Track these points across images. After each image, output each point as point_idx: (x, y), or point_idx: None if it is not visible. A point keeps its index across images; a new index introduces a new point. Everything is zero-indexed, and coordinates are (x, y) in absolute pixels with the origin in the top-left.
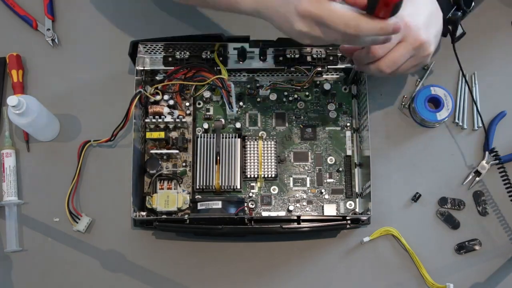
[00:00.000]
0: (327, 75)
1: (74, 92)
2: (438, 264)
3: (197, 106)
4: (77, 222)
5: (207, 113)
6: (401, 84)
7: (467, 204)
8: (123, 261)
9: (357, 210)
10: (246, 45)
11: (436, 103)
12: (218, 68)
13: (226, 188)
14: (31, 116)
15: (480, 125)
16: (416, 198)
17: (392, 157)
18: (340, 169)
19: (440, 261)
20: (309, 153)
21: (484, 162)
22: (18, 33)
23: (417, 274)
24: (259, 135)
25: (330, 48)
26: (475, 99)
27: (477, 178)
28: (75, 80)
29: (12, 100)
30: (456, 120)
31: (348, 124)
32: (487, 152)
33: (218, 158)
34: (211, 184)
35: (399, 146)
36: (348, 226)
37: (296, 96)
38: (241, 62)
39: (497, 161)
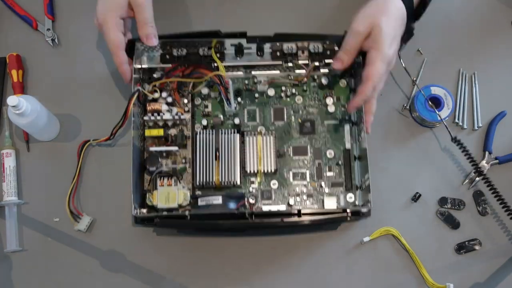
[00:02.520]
0: (325, 69)
1: (74, 92)
2: (438, 264)
3: (196, 103)
4: (78, 222)
5: (206, 110)
6: (401, 84)
7: (467, 204)
8: (124, 258)
9: (357, 202)
10: (244, 41)
11: (436, 103)
12: (215, 64)
13: (226, 183)
14: (31, 116)
15: (480, 125)
16: (416, 198)
17: (392, 157)
18: (340, 162)
19: (440, 261)
20: (308, 147)
21: (484, 162)
22: (18, 33)
23: (417, 274)
24: (258, 130)
25: (327, 42)
26: (475, 99)
27: (477, 178)
28: (75, 80)
29: (12, 100)
30: (456, 120)
31: (347, 118)
32: (487, 152)
33: (218, 154)
34: (211, 180)
35: (399, 146)
36: (348, 218)
37: (294, 91)
38: (238, 58)
39: (497, 161)
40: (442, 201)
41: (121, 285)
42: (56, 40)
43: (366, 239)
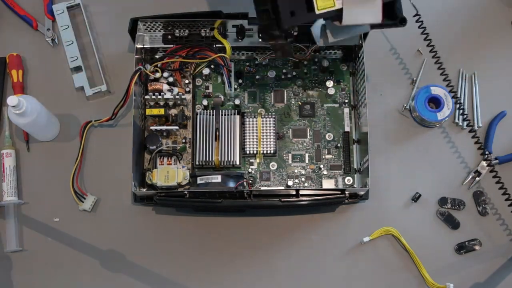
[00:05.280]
0: (325, 53)
1: (74, 92)
2: (438, 264)
3: (197, 84)
4: (83, 202)
5: (206, 91)
6: (401, 85)
7: (467, 204)
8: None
9: (355, 185)
10: (245, 23)
11: (436, 103)
12: (217, 46)
13: (225, 164)
14: (31, 116)
15: (480, 125)
16: (416, 198)
17: (392, 157)
18: (339, 145)
19: (440, 261)
20: (308, 129)
21: (484, 162)
22: (18, 33)
23: (417, 274)
24: (258, 112)
25: None
26: (475, 99)
27: (477, 178)
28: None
29: (12, 100)
30: (456, 120)
31: (346, 101)
32: (487, 152)
33: (218, 134)
34: (210, 160)
35: (399, 146)
36: (346, 200)
37: (294, 73)
38: (240, 40)
39: (497, 161)
40: (442, 201)
41: (121, 280)
42: (56, 40)
43: (366, 239)
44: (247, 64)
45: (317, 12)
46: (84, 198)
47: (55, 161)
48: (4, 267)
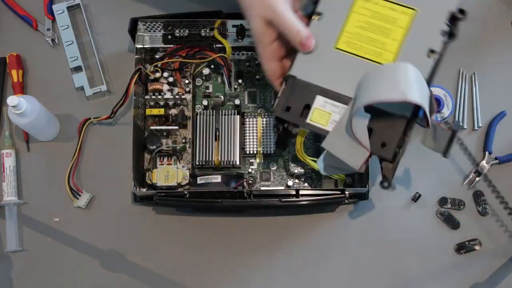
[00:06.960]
0: None
1: (74, 92)
2: (438, 264)
3: (197, 84)
4: (78, 199)
5: (206, 91)
6: None
7: (467, 204)
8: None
9: (355, 185)
10: (245, 23)
11: (436, 103)
12: (217, 46)
13: (225, 164)
14: (31, 116)
15: (480, 125)
16: (416, 198)
17: None
18: None
19: (440, 261)
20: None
21: (484, 162)
22: (18, 33)
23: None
24: (258, 112)
25: None
26: (475, 99)
27: (477, 178)
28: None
29: (12, 100)
30: (456, 120)
31: None
32: (487, 152)
33: (218, 134)
34: (210, 160)
35: None
36: (346, 200)
37: None
38: (240, 40)
39: (497, 161)
40: (442, 201)
41: (121, 280)
42: (56, 40)
43: None
44: (247, 64)
45: (307, 120)
46: (79, 195)
47: (55, 161)
48: (4, 267)
